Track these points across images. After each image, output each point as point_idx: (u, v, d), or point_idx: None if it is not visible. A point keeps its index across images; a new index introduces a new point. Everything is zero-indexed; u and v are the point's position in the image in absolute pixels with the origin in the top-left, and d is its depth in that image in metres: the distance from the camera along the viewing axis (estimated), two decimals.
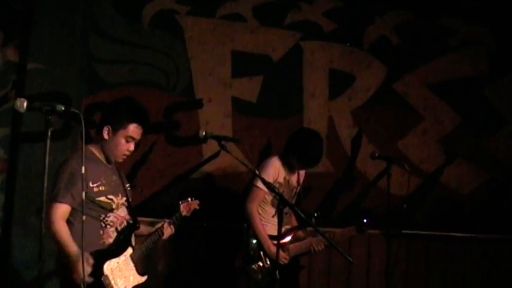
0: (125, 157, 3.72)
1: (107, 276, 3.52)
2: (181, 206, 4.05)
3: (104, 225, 3.61)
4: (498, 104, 5.59)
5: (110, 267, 3.56)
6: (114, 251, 3.63)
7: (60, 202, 3.51)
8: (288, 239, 4.60)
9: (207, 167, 5.43)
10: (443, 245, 5.48)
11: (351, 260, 3.88)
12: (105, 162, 3.72)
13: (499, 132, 5.59)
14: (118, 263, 3.62)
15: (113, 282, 3.54)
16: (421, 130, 5.60)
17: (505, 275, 5.49)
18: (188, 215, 4.02)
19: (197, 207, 4.07)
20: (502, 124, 5.59)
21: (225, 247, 5.18)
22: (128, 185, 3.85)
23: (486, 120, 5.58)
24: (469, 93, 5.60)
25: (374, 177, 5.47)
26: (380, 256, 4.97)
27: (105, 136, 3.62)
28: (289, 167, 4.64)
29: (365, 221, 4.49)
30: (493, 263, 5.50)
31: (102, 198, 3.62)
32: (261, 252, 4.52)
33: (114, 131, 3.62)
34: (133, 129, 3.66)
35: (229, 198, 5.31)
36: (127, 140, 3.66)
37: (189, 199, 4.09)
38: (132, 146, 3.70)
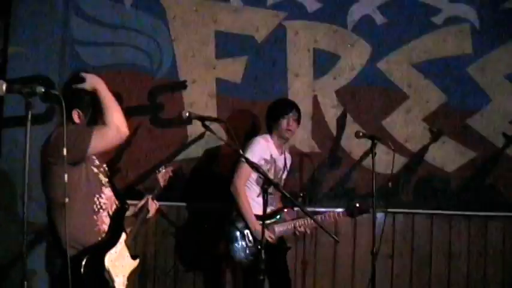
0: None
1: (108, 270, 3.43)
2: (159, 176, 3.97)
3: (96, 209, 3.44)
4: (482, 82, 5.57)
5: (110, 259, 3.45)
6: (111, 239, 3.50)
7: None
8: (274, 219, 4.62)
9: (193, 149, 5.42)
10: (428, 223, 5.46)
11: (337, 239, 3.97)
12: None
13: (483, 110, 5.56)
14: (116, 252, 3.51)
15: (114, 274, 3.45)
16: (405, 109, 5.56)
17: (490, 251, 5.49)
18: (166, 184, 3.95)
19: (172, 174, 4.00)
20: (486, 102, 5.56)
21: (210, 229, 5.20)
22: (105, 165, 3.69)
23: (470, 98, 5.56)
24: (453, 71, 5.57)
25: (359, 157, 5.43)
26: (366, 235, 4.97)
27: (77, 120, 3.45)
28: (276, 146, 4.66)
29: (357, 205, 4.52)
30: (478, 239, 5.49)
31: (95, 169, 3.48)
32: (246, 232, 4.53)
33: (84, 115, 3.46)
34: None
35: (214, 180, 5.30)
36: None
37: (163, 167, 4.03)
38: None
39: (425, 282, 5.49)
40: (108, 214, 3.51)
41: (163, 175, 4.00)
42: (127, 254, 3.60)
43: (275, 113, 4.73)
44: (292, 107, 4.76)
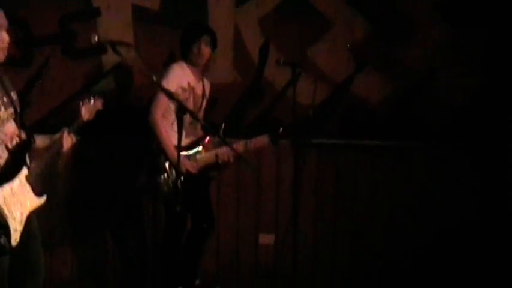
0: (3, 51, 3.37)
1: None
2: (83, 108, 3.62)
3: None
4: (409, 11, 5.51)
5: (3, 194, 3.27)
6: (6, 174, 3.32)
7: None
8: (194, 150, 4.57)
9: (108, 80, 5.19)
10: (353, 155, 5.46)
11: (254, 167, 4.18)
12: None
13: (409, 40, 5.52)
14: (12, 188, 3.33)
15: (6, 212, 3.28)
16: (330, 38, 5.47)
17: (414, 182, 5.52)
18: (91, 118, 3.65)
19: (100, 107, 3.69)
20: (413, 32, 5.52)
21: (129, 163, 5.02)
22: (13, 93, 3.48)
23: (396, 27, 5.50)
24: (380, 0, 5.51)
25: (282, 87, 5.31)
26: (289, 168, 4.93)
27: None
28: (193, 73, 4.59)
29: (280, 129, 4.47)
30: (403, 170, 5.52)
31: None
32: (166, 164, 4.46)
33: None
34: None
35: (133, 111, 5.13)
36: None
37: (91, 98, 3.67)
38: (3, 35, 3.36)
39: (350, 217, 5.53)
40: (7, 148, 3.32)
41: (89, 107, 3.67)
42: (28, 190, 3.43)
43: (186, 39, 4.61)
44: (203, 31, 4.65)
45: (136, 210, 5.19)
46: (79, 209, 5.16)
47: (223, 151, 4.46)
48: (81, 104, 3.63)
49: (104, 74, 5.16)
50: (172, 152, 4.36)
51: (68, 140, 3.55)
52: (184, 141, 4.14)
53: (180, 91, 4.40)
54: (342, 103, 5.50)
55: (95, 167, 5.16)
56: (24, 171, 3.40)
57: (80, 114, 3.61)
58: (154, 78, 3.76)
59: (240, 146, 4.41)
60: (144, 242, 5.18)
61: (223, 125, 4.60)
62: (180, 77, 4.53)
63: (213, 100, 4.98)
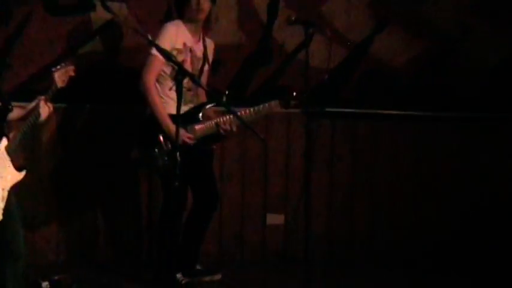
0: None
1: None
2: (55, 75, 3.53)
3: None
4: None
5: None
6: None
7: None
8: (194, 118, 4.33)
9: (97, 41, 4.95)
10: (372, 125, 5.25)
11: (262, 137, 3.81)
12: None
13: None
14: None
15: None
16: None
17: (438, 155, 5.29)
18: (64, 85, 3.53)
19: (73, 73, 3.55)
20: None
21: (120, 134, 4.86)
22: None
23: None
24: None
25: (293, 48, 5.06)
26: (301, 139, 4.60)
27: None
28: (191, 32, 4.35)
29: (294, 93, 4.25)
30: (426, 143, 5.28)
31: None
32: (160, 136, 4.25)
33: None
34: None
35: (124, 76, 4.86)
36: None
37: (63, 65, 3.58)
38: None
39: (367, 192, 5.30)
40: None
41: (61, 74, 3.57)
42: (9, 163, 3.41)
43: None
44: None
45: (130, 185, 5.04)
46: (66, 184, 4.97)
47: (225, 120, 4.25)
48: (52, 70, 3.56)
49: (92, 33, 4.93)
50: (167, 122, 4.18)
51: (45, 109, 3.48)
52: (182, 110, 3.83)
53: (174, 53, 4.06)
54: (360, 67, 5.27)
55: (83, 138, 4.97)
56: (4, 141, 3.39)
57: (54, 81, 3.53)
58: (150, 38, 3.56)
59: (246, 113, 4.22)
60: (139, 221, 5.05)
61: (227, 91, 4.48)
62: (173, 37, 4.28)
63: (216, 63, 4.72)
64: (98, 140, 4.92)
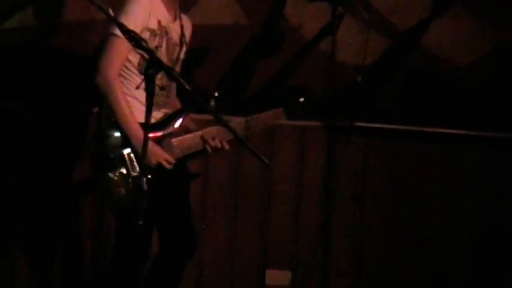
0: None
1: None
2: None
3: None
4: None
5: None
6: None
7: None
8: (170, 129, 3.74)
9: (29, 11, 4.20)
10: (418, 147, 4.51)
11: (266, 161, 3.07)
12: None
13: None
14: None
15: None
16: None
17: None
18: None
19: None
20: None
21: (64, 145, 4.26)
22: None
23: None
24: None
25: (314, 34, 4.28)
26: (318, 163, 4.24)
27: None
28: (166, 5, 3.75)
29: (301, 99, 3.77)
30: (494, 172, 4.46)
31: None
32: (125, 152, 3.59)
33: None
34: None
35: (71, 65, 4.19)
36: None
37: None
38: None
39: (410, 240, 4.55)
40: None
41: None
42: None
43: None
44: None
45: (69, 218, 4.39)
46: None
47: (213, 132, 3.66)
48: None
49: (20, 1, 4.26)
50: (136, 132, 3.55)
51: None
52: (155, 117, 3.59)
53: (147, 35, 3.58)
54: (406, 64, 4.50)
55: (11, 147, 4.30)
56: None
57: None
58: (110, 12, 2.97)
59: (242, 123, 3.71)
60: (81, 267, 4.43)
61: (216, 93, 3.84)
62: (146, 12, 3.64)
63: (202, 51, 4.19)
64: (30, 150, 4.26)
